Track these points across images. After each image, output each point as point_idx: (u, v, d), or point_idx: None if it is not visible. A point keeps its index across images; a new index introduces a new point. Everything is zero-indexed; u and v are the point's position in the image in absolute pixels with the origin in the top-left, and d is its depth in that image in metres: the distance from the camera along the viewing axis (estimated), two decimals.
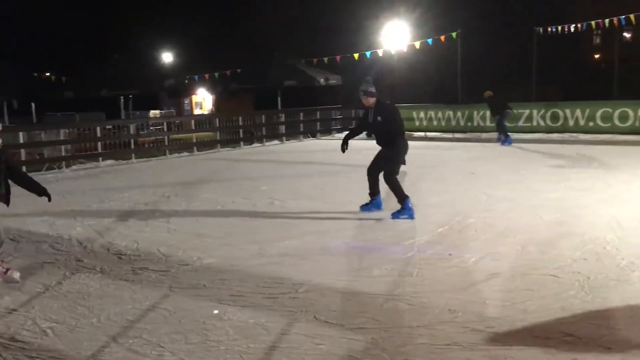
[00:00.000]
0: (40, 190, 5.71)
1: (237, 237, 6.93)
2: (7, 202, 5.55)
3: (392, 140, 7.44)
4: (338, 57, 23.19)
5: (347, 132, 8.07)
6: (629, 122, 16.64)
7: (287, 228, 7.29)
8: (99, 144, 15.66)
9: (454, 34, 21.05)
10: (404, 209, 7.42)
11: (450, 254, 5.86)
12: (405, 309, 4.49)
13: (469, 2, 33.44)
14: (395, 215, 7.43)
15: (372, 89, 7.50)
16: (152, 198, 9.67)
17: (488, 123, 19.18)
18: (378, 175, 7.65)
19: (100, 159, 14.99)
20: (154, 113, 33.30)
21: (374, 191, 7.80)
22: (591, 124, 17.29)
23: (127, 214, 8.44)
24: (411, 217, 7.38)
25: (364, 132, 9.10)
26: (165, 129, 18.02)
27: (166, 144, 17.14)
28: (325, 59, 23.53)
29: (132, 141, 16.32)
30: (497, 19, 34.61)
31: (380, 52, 22.73)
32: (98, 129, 16.24)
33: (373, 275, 5.33)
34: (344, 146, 7.68)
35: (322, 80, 22.60)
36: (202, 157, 16.35)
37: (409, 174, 11.44)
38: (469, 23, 25.28)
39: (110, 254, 6.37)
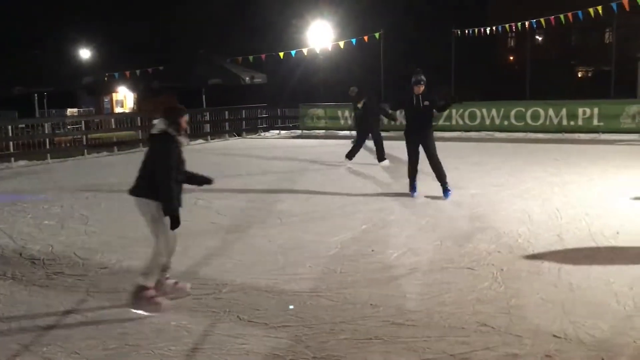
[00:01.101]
0: None
1: None
2: None
3: (431, 122, 8.59)
4: (263, 56, 23.06)
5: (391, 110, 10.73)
6: (540, 121, 17.54)
7: (212, 228, 7.21)
8: (11, 143, 14.86)
9: (377, 35, 21.44)
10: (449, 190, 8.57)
11: (372, 250, 5.98)
12: (328, 305, 4.55)
13: (390, 4, 34.20)
14: (448, 193, 8.52)
15: (425, 79, 8.43)
16: (69, 200, 9.29)
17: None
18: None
19: (13, 159, 14.24)
20: (71, 111, 31.99)
21: (441, 175, 8.65)
22: (506, 122, 18.09)
23: (41, 216, 8.07)
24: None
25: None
26: (84, 128, 17.34)
27: (84, 143, 16.49)
28: (251, 58, 23.32)
29: (47, 141, 15.58)
30: (417, 21, 35.59)
31: (305, 51, 22.83)
32: (10, 127, 15.40)
33: (297, 273, 5.36)
34: (395, 115, 10.17)
35: (247, 78, 22.35)
36: (123, 156, 15.85)
37: (333, 171, 11.58)
38: (392, 24, 25.83)
39: (23, 258, 6.08)
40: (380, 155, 12.36)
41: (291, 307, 4.51)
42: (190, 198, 9.04)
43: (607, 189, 8.81)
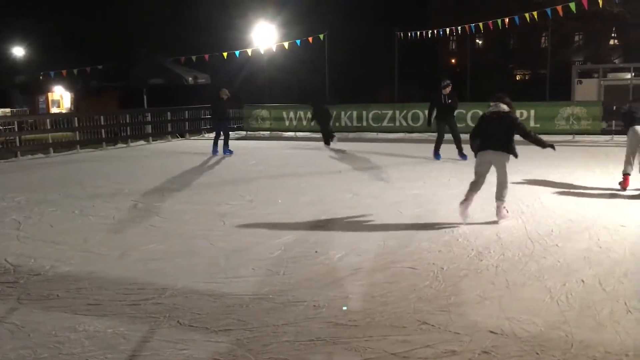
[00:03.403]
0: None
1: (97, 242, 6.56)
2: None
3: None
4: (207, 56, 22.78)
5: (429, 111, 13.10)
6: None
7: (152, 231, 7.04)
8: None
9: (321, 36, 21.53)
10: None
11: (316, 251, 5.98)
12: (271, 308, 4.51)
13: (335, 6, 34.42)
14: (464, 157, 12.28)
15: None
16: (0, 203, 8.88)
17: (355, 123, 19.88)
18: None
19: None
20: (3, 111, 30.64)
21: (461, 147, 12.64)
22: None
23: None
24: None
25: None
26: (17, 129, 16.65)
27: (17, 144, 15.82)
28: (194, 58, 23.00)
29: None
30: (361, 22, 35.98)
31: (249, 52, 22.68)
32: None
33: (239, 276, 5.29)
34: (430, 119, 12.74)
35: (190, 79, 22.03)
36: (59, 158, 15.31)
37: (278, 173, 11.54)
38: (336, 26, 25.99)
39: None
40: (326, 139, 15.89)
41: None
42: (129, 201, 8.83)
43: (541, 188, 9.13)
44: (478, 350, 3.71)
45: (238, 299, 4.71)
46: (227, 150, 14.79)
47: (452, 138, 12.81)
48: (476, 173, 7.18)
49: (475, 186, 7.13)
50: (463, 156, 12.43)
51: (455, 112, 13.08)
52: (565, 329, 3.99)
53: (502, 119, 7.01)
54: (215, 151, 14.77)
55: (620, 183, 8.94)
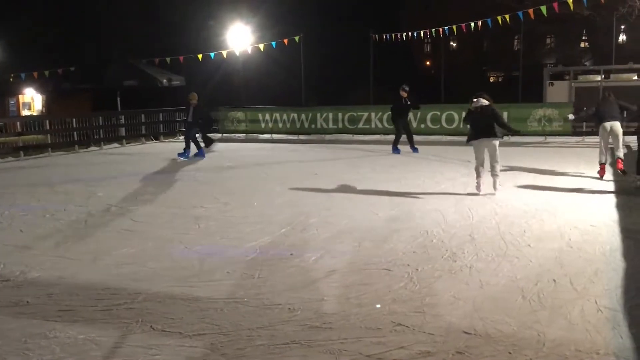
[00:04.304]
0: None
1: (68, 247, 6.46)
2: None
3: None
4: (181, 58, 22.60)
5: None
6: (455, 124, 18.18)
7: (126, 235, 6.95)
8: None
9: (296, 38, 21.51)
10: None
11: (291, 254, 5.96)
12: (246, 311, 4.48)
13: (310, 8, 34.45)
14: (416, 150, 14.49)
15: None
16: None
17: (331, 125, 19.92)
18: None
19: None
20: None
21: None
22: (422, 126, 18.60)
23: None
24: None
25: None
26: None
27: None
28: (168, 59, 22.79)
29: None
30: (336, 25, 36.07)
31: (224, 54, 22.56)
32: None
33: (214, 280, 5.25)
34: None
35: (164, 80, 21.81)
36: (30, 162, 15.03)
37: (253, 175, 11.50)
38: (311, 28, 26.01)
39: None
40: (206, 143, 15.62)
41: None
42: (102, 205, 8.71)
43: (514, 189, 9.24)
44: (452, 350, 3.73)
45: (212, 302, 4.67)
46: (184, 154, 14.56)
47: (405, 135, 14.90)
48: (477, 158, 8.98)
49: (479, 169, 8.96)
50: (415, 149, 14.75)
51: (411, 112, 15.70)
52: (538, 328, 4.04)
53: (485, 111, 8.71)
54: (187, 155, 14.59)
55: (598, 172, 10.18)
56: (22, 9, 37.39)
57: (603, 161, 10.13)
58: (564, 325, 4.09)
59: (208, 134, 16.10)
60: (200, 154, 14.79)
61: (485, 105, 8.74)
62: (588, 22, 29.42)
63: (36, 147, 16.87)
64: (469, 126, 9.06)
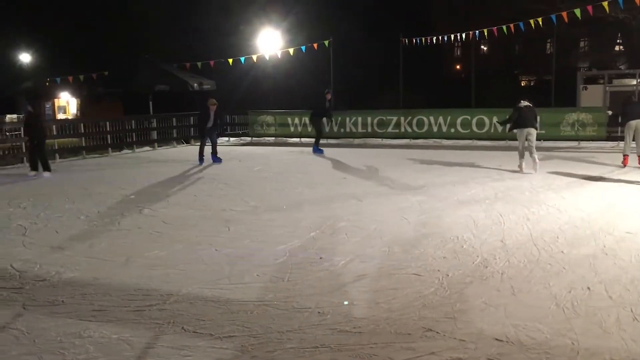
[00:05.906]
0: None
1: (101, 248, 6.58)
2: None
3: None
4: (212, 62, 22.84)
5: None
6: (485, 129, 18.01)
7: (157, 237, 7.05)
8: None
9: (326, 42, 21.56)
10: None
11: (321, 258, 5.97)
12: (276, 314, 4.50)
13: (340, 13, 34.49)
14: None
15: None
16: (6, 209, 8.92)
17: (360, 129, 19.89)
18: None
19: None
20: (10, 117, 30.78)
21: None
22: (452, 130, 18.48)
23: None
24: None
25: None
26: (23, 135, 16.64)
27: (24, 150, 15.86)
28: (199, 64, 23.05)
29: None
30: (367, 29, 36.04)
31: (254, 58, 22.74)
32: None
33: (244, 282, 5.29)
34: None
35: (195, 85, 21.98)
36: (65, 164, 15.36)
37: (282, 179, 11.55)
38: (341, 32, 26.04)
39: None
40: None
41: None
42: (135, 207, 8.86)
43: (547, 194, 9.10)
44: (483, 357, 3.69)
45: (242, 305, 4.70)
46: (215, 158, 14.61)
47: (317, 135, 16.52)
48: (520, 142, 11.57)
49: (522, 151, 11.53)
50: (319, 150, 16.38)
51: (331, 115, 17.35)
52: (571, 336, 3.97)
53: (530, 109, 11.56)
54: (219, 160, 14.65)
55: (622, 162, 11.88)
56: (57, 16, 38.29)
57: (627, 152, 11.81)
58: (599, 334, 4.01)
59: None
60: (207, 160, 14.73)
61: (530, 105, 11.58)
62: (623, 25, 28.81)
63: (71, 150, 17.24)
64: (510, 118, 11.73)
